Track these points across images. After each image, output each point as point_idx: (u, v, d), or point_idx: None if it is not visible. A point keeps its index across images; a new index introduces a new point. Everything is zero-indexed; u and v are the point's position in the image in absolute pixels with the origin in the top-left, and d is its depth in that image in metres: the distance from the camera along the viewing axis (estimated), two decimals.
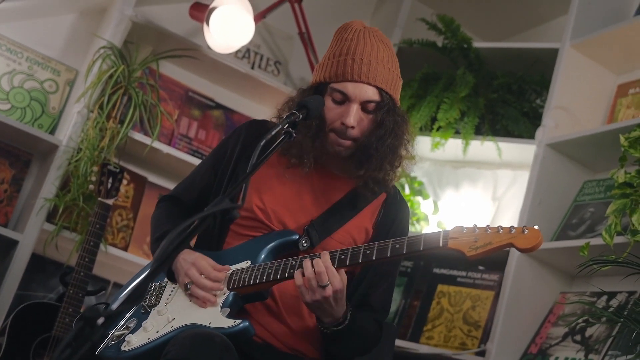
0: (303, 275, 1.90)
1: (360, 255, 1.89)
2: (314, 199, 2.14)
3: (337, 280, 1.87)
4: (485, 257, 3.33)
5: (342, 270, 1.91)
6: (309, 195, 2.14)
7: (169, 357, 1.80)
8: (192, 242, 2.31)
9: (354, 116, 2.05)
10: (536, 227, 1.75)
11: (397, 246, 1.85)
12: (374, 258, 1.88)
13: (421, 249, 1.83)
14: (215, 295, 1.98)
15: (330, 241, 2.08)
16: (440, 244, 1.81)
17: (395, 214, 2.18)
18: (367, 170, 2.10)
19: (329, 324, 1.95)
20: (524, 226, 1.76)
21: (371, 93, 2.07)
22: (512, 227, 1.76)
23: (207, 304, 1.98)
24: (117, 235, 3.50)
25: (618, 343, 2.79)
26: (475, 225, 1.80)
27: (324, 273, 1.86)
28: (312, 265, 1.89)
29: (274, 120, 2.17)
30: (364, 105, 2.07)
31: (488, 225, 1.79)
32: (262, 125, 2.23)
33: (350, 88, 2.06)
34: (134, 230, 3.55)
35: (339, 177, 2.18)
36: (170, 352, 1.81)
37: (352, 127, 2.06)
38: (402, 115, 2.13)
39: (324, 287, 1.86)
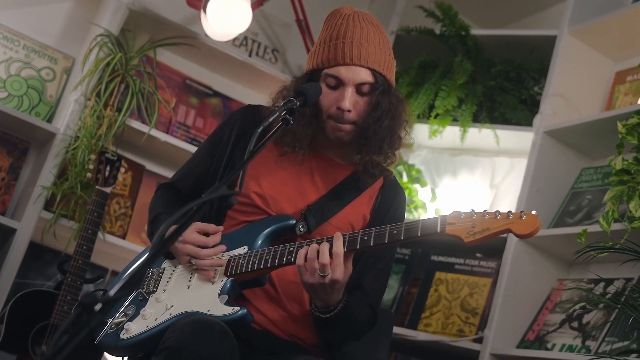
0: (306, 256, 1.89)
1: (358, 241, 1.88)
2: (312, 185, 2.14)
3: (339, 271, 1.86)
4: (483, 244, 3.34)
5: (349, 262, 1.90)
6: (308, 182, 2.14)
7: (168, 344, 1.80)
8: None
9: (349, 100, 2.05)
10: (534, 212, 1.74)
11: (395, 232, 1.85)
12: (371, 244, 1.87)
13: (419, 234, 1.82)
14: (221, 259, 2.00)
15: (327, 226, 2.08)
16: (438, 230, 1.80)
17: (392, 200, 2.19)
18: (367, 154, 2.10)
19: (320, 308, 1.95)
20: (521, 211, 1.74)
21: (364, 75, 2.07)
22: (509, 212, 1.75)
23: (215, 273, 1.99)
24: (115, 223, 3.50)
25: (615, 329, 2.80)
26: (473, 210, 1.79)
27: (327, 266, 1.85)
28: (318, 253, 1.87)
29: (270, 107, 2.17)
30: (358, 88, 2.07)
31: (485, 211, 1.78)
32: (257, 111, 2.22)
33: (343, 72, 2.06)
34: (131, 218, 3.55)
35: (337, 163, 2.18)
36: (169, 339, 1.81)
37: (349, 111, 2.06)
38: (398, 96, 2.14)
39: (323, 276, 1.86)
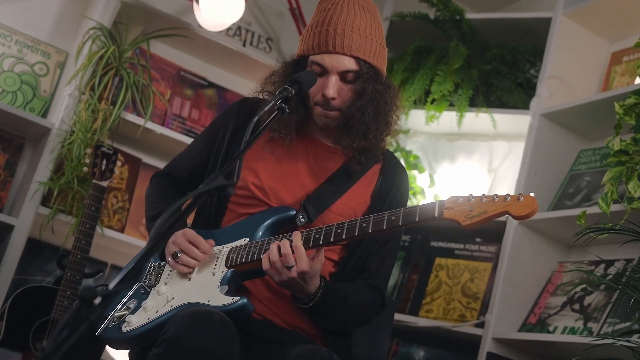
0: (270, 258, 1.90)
1: (357, 229, 1.89)
2: (310, 173, 2.13)
3: (303, 262, 1.87)
4: (482, 228, 3.34)
5: (321, 252, 1.91)
6: (305, 170, 2.14)
7: (167, 336, 1.80)
8: (190, 221, 2.30)
9: (333, 87, 2.06)
10: (532, 194, 1.74)
11: (393, 218, 1.85)
12: (370, 231, 1.87)
13: (417, 219, 1.83)
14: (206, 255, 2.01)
15: (328, 214, 2.08)
16: (436, 214, 1.80)
17: (392, 181, 2.18)
18: (352, 141, 2.09)
19: (301, 299, 1.96)
20: (519, 193, 1.74)
21: (347, 63, 2.06)
22: (507, 195, 1.75)
23: (216, 265, 2.00)
24: (113, 217, 3.49)
25: (617, 310, 2.80)
26: (471, 194, 1.79)
27: (289, 255, 1.87)
28: (279, 247, 1.89)
29: (259, 94, 2.18)
30: (342, 76, 2.07)
31: (483, 194, 1.78)
32: (255, 103, 2.22)
33: (326, 60, 2.06)
34: (129, 211, 3.54)
35: (333, 148, 2.17)
36: (168, 331, 1.81)
37: (333, 99, 2.06)
38: (384, 83, 2.13)
39: (289, 268, 1.87)
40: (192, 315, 1.83)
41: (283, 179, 2.11)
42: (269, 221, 2.06)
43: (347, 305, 2.01)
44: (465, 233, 3.43)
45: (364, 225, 1.88)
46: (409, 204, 2.26)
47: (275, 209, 2.08)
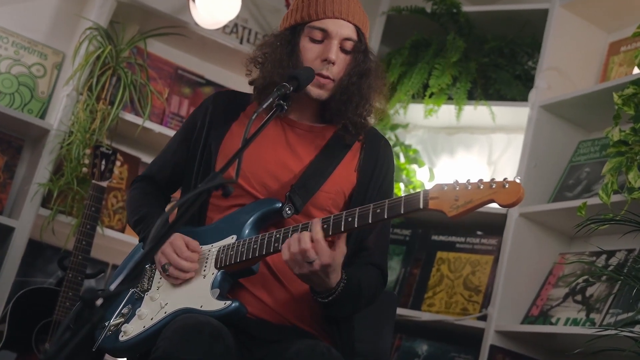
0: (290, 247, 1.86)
1: (343, 223, 1.85)
2: (291, 155, 2.10)
3: (325, 255, 1.82)
4: (483, 220, 3.32)
5: (341, 242, 1.87)
6: (286, 152, 2.11)
7: (158, 355, 1.78)
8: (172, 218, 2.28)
9: (335, 52, 2.06)
10: (517, 179, 1.69)
11: (378, 211, 1.81)
12: (355, 225, 1.83)
13: (402, 212, 1.79)
14: (190, 274, 1.97)
15: (316, 200, 2.05)
16: (421, 206, 1.76)
17: (376, 153, 2.16)
18: (348, 112, 2.08)
19: (320, 293, 1.92)
20: (504, 179, 1.69)
21: (350, 31, 2.09)
22: (492, 181, 1.71)
23: (206, 266, 1.98)
24: (114, 217, 3.49)
25: (619, 301, 2.80)
26: (457, 180, 1.75)
27: (310, 250, 1.82)
28: (299, 240, 1.84)
29: (250, 63, 2.16)
30: (342, 44, 2.08)
31: (468, 180, 1.74)
32: (228, 96, 2.22)
33: (330, 24, 2.07)
34: None
35: (313, 127, 2.15)
36: (158, 349, 1.79)
37: (334, 63, 2.06)
38: (375, 60, 2.15)
39: (311, 262, 1.83)
40: (182, 330, 1.80)
41: (265, 164, 2.08)
42: (254, 216, 2.02)
43: (361, 293, 1.99)
44: (466, 226, 3.43)
45: (350, 219, 1.84)
46: (405, 193, 2.24)
47: (260, 203, 2.04)
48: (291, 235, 1.88)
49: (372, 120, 2.18)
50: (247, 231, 2.00)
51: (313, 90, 2.07)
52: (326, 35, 2.07)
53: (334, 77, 2.07)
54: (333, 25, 2.07)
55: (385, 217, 1.81)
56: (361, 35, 2.10)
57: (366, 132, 2.17)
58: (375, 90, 2.12)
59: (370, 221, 1.82)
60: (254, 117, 1.80)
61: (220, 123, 2.16)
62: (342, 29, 2.07)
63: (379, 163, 2.15)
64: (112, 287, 1.36)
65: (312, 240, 1.83)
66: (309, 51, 2.08)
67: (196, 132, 2.19)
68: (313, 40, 2.08)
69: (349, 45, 2.08)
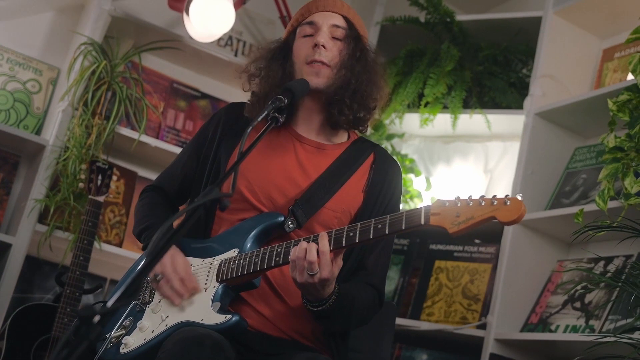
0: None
1: (344, 239, 1.85)
2: (300, 171, 2.11)
3: (326, 270, 1.83)
4: (481, 229, 3.34)
5: (340, 257, 1.88)
6: (295, 167, 2.11)
7: None
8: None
9: (323, 36, 2.11)
10: (519, 196, 1.69)
11: (380, 226, 1.82)
12: (357, 240, 1.84)
13: (403, 227, 1.79)
14: (181, 297, 1.97)
15: (320, 216, 2.05)
16: (422, 222, 1.77)
17: (384, 175, 2.16)
18: (351, 104, 2.09)
19: (311, 302, 1.92)
20: (506, 195, 1.70)
21: (337, 20, 2.15)
22: (494, 197, 1.70)
23: (208, 279, 1.98)
24: (111, 231, 3.48)
25: (618, 307, 2.80)
26: (458, 197, 1.75)
27: (315, 263, 1.82)
28: (307, 251, 1.84)
29: (241, 74, 2.20)
30: (332, 32, 2.13)
31: (470, 197, 1.74)
32: (240, 108, 2.22)
33: (316, 16, 2.15)
34: (127, 226, 3.53)
35: (323, 145, 2.16)
36: None
37: (323, 46, 2.09)
38: (371, 49, 2.19)
39: (312, 274, 1.84)
40: (183, 343, 1.80)
41: (273, 178, 2.08)
42: (256, 230, 2.02)
43: (353, 309, 1.99)
44: (463, 235, 3.42)
45: (351, 234, 1.84)
46: (402, 203, 2.24)
47: (263, 216, 2.05)
48: (298, 244, 1.88)
49: (375, 116, 2.19)
50: (249, 245, 2.00)
51: (311, 79, 2.09)
52: (315, 27, 2.13)
53: (328, 61, 2.10)
54: (320, 17, 2.14)
55: (387, 232, 1.81)
56: (350, 24, 2.15)
57: (377, 154, 2.19)
58: (374, 75, 2.14)
59: (371, 236, 1.83)
60: (248, 131, 1.80)
61: (231, 135, 2.17)
62: (329, 19, 2.14)
63: (387, 185, 2.15)
64: (110, 302, 1.36)
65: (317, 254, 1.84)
66: (301, 45, 2.13)
67: (207, 144, 2.20)
68: (304, 36, 2.14)
69: (339, 32, 2.14)
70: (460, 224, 1.71)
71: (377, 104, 2.16)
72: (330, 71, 2.09)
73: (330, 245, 1.85)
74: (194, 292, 1.98)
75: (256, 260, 1.93)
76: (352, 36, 2.14)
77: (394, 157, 2.26)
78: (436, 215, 1.76)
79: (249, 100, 2.21)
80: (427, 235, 3.55)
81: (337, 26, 2.13)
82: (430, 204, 1.79)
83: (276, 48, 2.19)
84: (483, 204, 1.71)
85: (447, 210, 1.75)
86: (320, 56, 2.08)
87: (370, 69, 2.14)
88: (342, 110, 2.10)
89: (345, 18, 2.15)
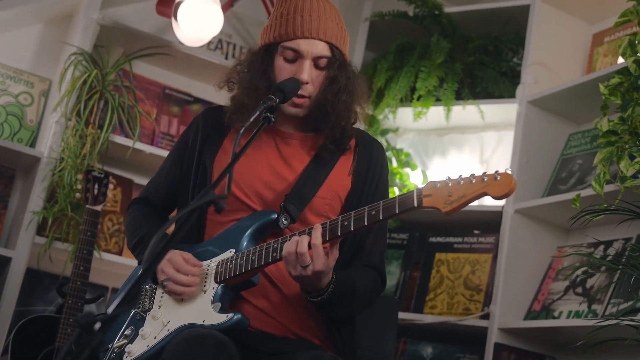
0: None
1: (339, 228, 1.86)
2: (285, 165, 2.11)
3: (320, 262, 1.84)
4: (479, 218, 3.32)
5: (335, 248, 1.88)
6: (279, 163, 2.12)
7: None
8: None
9: (307, 72, 2.06)
10: (509, 170, 1.71)
11: (373, 212, 1.83)
12: (352, 229, 1.85)
13: (397, 212, 1.80)
14: (192, 287, 1.97)
15: (312, 207, 2.06)
16: (415, 204, 1.77)
17: (369, 156, 2.17)
18: (325, 129, 2.10)
19: (310, 293, 1.93)
20: (496, 171, 1.71)
21: (322, 48, 2.08)
22: (484, 174, 1.72)
23: (206, 281, 1.98)
24: (110, 240, 3.48)
25: (619, 290, 2.80)
26: (449, 177, 1.77)
27: (305, 254, 1.84)
28: (297, 243, 1.85)
29: (225, 84, 2.20)
30: (316, 62, 2.09)
31: (460, 176, 1.76)
32: (218, 111, 2.22)
33: (302, 44, 2.07)
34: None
35: (302, 136, 2.16)
36: None
37: (307, 83, 2.06)
38: (353, 71, 2.15)
39: (304, 267, 1.85)
40: (187, 342, 1.80)
41: (259, 175, 2.09)
42: (251, 229, 2.03)
43: (354, 294, 1.99)
44: (462, 226, 3.43)
45: (346, 223, 1.85)
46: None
47: (256, 215, 2.05)
48: (290, 239, 1.89)
49: (358, 126, 2.19)
50: (244, 244, 2.01)
51: (290, 109, 2.09)
52: (298, 55, 2.08)
53: (309, 94, 2.09)
54: (305, 44, 2.07)
55: (381, 218, 1.82)
56: (335, 50, 2.10)
57: (358, 136, 2.19)
58: (353, 103, 2.12)
59: (366, 223, 1.83)
60: (241, 132, 1.81)
61: (213, 139, 2.17)
62: (314, 48, 2.07)
63: (372, 164, 2.16)
64: (110, 310, 1.36)
65: (309, 246, 1.85)
66: (283, 70, 2.09)
67: (188, 150, 2.20)
68: (286, 60, 2.09)
69: (322, 62, 2.09)
70: (453, 203, 1.73)
71: (357, 117, 2.16)
72: (310, 101, 2.10)
73: (325, 236, 1.86)
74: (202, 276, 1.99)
75: (253, 257, 1.93)
76: (335, 65, 2.10)
77: (375, 138, 2.26)
78: (428, 197, 1.77)
79: (227, 105, 2.20)
80: (426, 228, 3.55)
81: (321, 57, 2.08)
82: (421, 186, 1.80)
83: (257, 57, 2.15)
84: (474, 181, 1.73)
85: (438, 191, 1.76)
86: (303, 91, 2.07)
87: (350, 87, 2.12)
88: (319, 127, 2.12)
89: (330, 45, 2.09)
